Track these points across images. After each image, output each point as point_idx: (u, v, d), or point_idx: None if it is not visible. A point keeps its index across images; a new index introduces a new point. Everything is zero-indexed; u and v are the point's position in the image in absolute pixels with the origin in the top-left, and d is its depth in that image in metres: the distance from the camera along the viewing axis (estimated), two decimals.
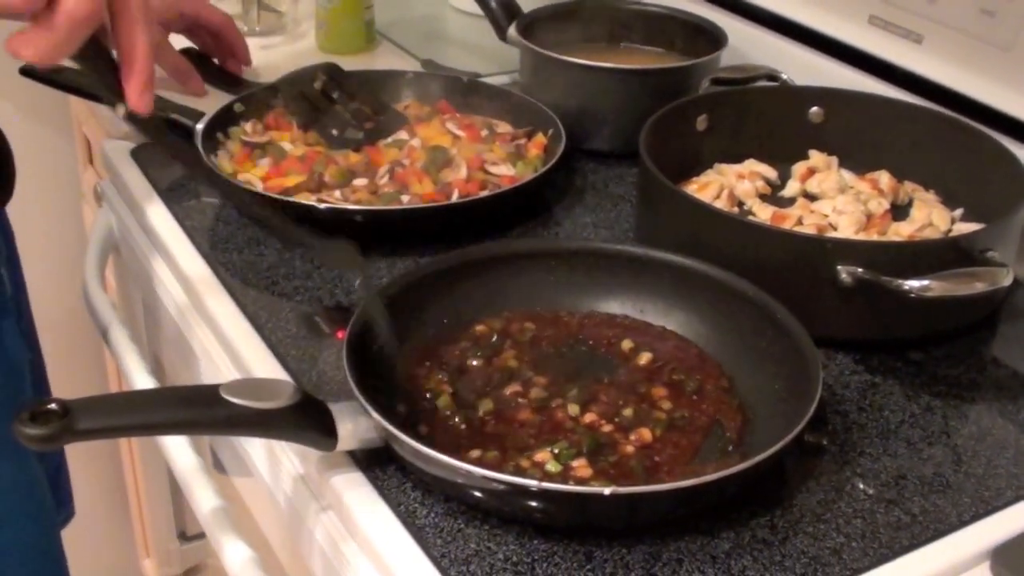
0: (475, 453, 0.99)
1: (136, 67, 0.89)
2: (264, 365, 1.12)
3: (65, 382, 1.93)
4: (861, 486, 1.00)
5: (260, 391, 0.91)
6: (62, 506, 1.52)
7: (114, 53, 0.92)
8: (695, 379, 1.09)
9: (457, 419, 1.03)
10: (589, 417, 1.04)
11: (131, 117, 0.93)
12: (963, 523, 0.97)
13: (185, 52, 1.67)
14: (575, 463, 0.98)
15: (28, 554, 1.26)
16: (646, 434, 1.02)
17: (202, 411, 0.90)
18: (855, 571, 0.91)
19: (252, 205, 1.07)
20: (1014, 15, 1.32)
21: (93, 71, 0.91)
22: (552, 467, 0.97)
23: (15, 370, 1.26)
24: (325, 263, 1.15)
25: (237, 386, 0.91)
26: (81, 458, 1.56)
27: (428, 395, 1.06)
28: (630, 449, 1.00)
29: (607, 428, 1.03)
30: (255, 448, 1.12)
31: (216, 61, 1.71)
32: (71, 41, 0.84)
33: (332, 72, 1.54)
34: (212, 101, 1.56)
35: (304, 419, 0.93)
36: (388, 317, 1.05)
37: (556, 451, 0.99)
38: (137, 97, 0.91)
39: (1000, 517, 0.98)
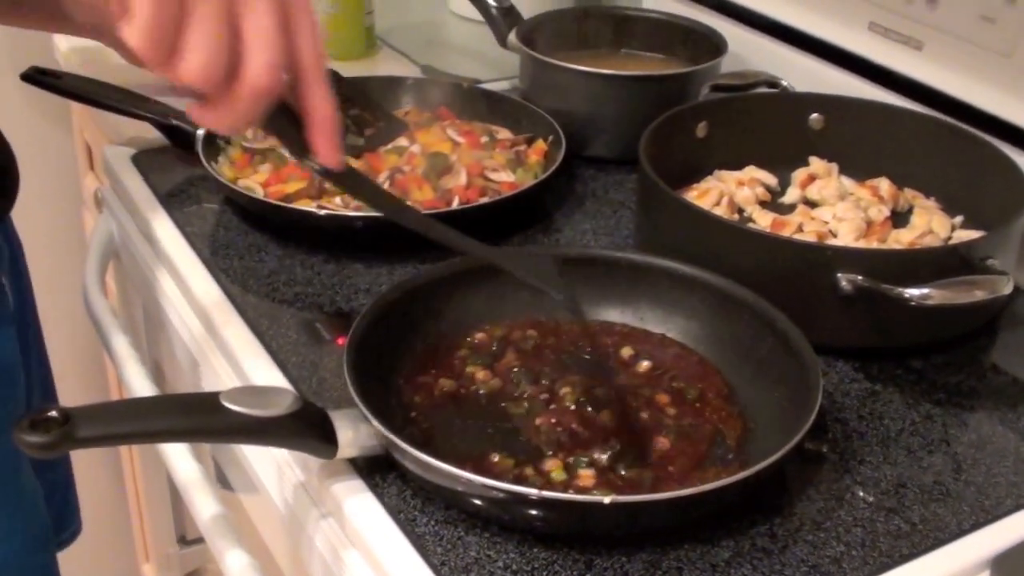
0: (480, 460, 1.00)
1: (323, 124, 0.90)
2: (264, 372, 1.12)
3: (67, 388, 1.93)
4: (861, 494, 1.00)
5: (260, 399, 0.91)
6: (68, 523, 1.51)
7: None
8: (696, 387, 1.09)
9: (460, 426, 1.03)
10: (601, 425, 1.04)
11: (325, 172, 0.94)
12: (963, 532, 0.97)
13: None
14: (581, 472, 0.98)
15: (22, 572, 1.25)
16: (664, 442, 1.03)
17: (202, 419, 0.90)
18: None
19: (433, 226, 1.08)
20: (1014, 21, 1.32)
21: (276, 131, 0.92)
22: (557, 475, 0.97)
23: (8, 379, 1.25)
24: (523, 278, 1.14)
25: (237, 394, 0.91)
26: (81, 462, 1.55)
27: (429, 402, 1.06)
28: (664, 458, 1.01)
29: (623, 437, 1.03)
30: (255, 455, 1.12)
31: None
32: (254, 111, 0.85)
33: (333, 78, 1.53)
34: None
35: (304, 427, 0.93)
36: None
37: (571, 460, 0.99)
38: (328, 154, 0.91)
39: (1000, 526, 0.98)
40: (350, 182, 1.02)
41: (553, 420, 1.03)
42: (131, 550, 2.40)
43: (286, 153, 0.95)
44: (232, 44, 0.82)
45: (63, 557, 1.45)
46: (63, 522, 1.50)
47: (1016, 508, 1.00)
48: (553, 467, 0.98)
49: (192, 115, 0.86)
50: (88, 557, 1.59)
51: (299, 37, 0.86)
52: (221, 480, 1.30)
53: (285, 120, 0.90)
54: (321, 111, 0.89)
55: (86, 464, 2.04)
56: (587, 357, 1.13)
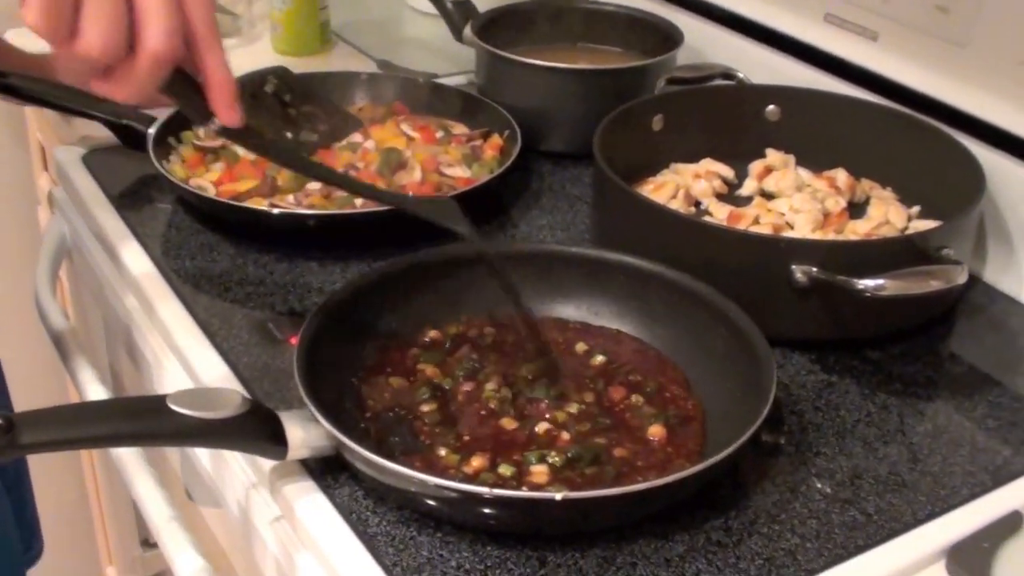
0: (440, 459, 0.99)
1: (220, 87, 0.93)
2: (216, 373, 1.11)
3: (24, 391, 1.91)
4: (817, 486, 1.00)
5: (208, 401, 0.91)
6: (31, 543, 1.50)
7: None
8: (655, 380, 1.08)
9: (413, 426, 1.02)
10: (562, 423, 1.04)
11: (225, 130, 0.96)
12: (919, 522, 0.97)
13: None
14: (534, 469, 0.97)
15: None
16: (622, 437, 1.02)
17: (149, 423, 0.89)
18: (810, 572, 0.91)
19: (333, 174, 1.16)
20: (968, 11, 1.32)
21: (178, 96, 0.94)
22: (505, 470, 0.97)
23: None
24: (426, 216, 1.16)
25: (184, 396, 0.90)
26: (42, 464, 1.54)
27: (382, 402, 1.05)
28: (620, 453, 1.00)
29: (587, 434, 1.02)
30: (207, 456, 1.11)
31: None
32: (155, 79, 0.88)
33: (283, 75, 1.53)
34: (164, 106, 1.55)
35: (253, 428, 0.92)
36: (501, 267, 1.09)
37: (550, 460, 0.98)
38: (226, 113, 0.94)
39: (956, 515, 0.98)
40: (251, 140, 1.04)
41: (483, 414, 1.04)
42: (95, 553, 2.39)
43: (190, 117, 0.99)
44: (128, 16, 0.85)
45: None
46: (31, 539, 1.49)
47: (971, 497, 0.99)
48: (479, 465, 0.98)
49: (95, 88, 0.88)
50: (51, 561, 1.57)
51: (191, 5, 0.89)
52: (189, 492, 1.29)
53: (185, 86, 0.93)
54: (217, 74, 0.92)
55: (46, 467, 2.03)
56: (539, 352, 1.12)
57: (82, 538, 2.37)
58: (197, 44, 0.90)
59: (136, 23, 0.85)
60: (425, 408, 1.04)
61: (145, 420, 0.89)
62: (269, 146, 1.07)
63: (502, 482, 0.96)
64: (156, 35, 0.85)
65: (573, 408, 1.05)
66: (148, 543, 2.05)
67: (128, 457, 1.18)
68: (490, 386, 1.07)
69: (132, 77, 0.87)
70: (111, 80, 0.87)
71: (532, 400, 1.05)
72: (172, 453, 1.31)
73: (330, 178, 1.16)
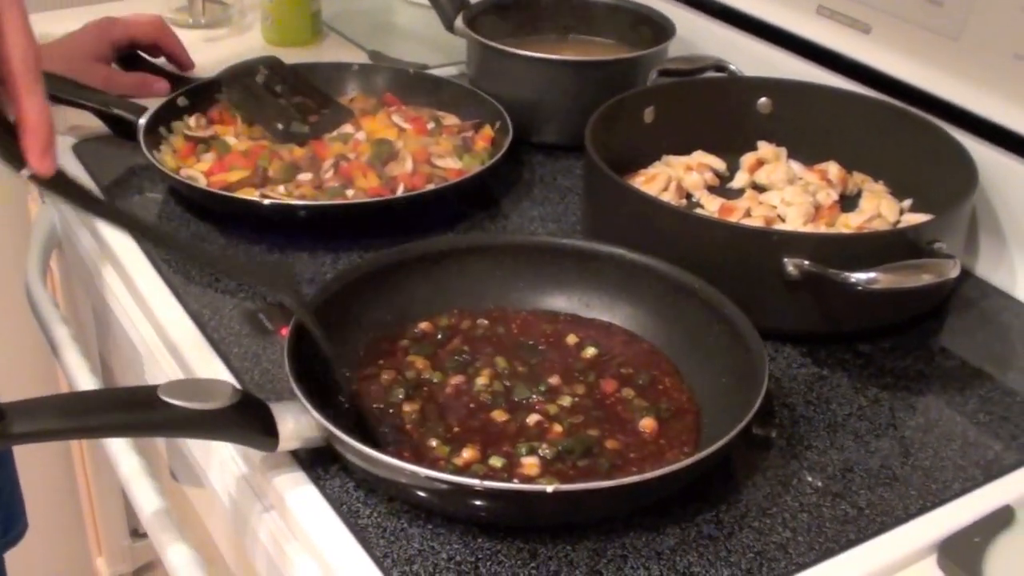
0: (418, 448, 0.99)
1: (33, 131, 0.87)
2: (206, 364, 1.11)
3: (14, 381, 1.91)
4: (808, 479, 0.99)
5: (199, 392, 0.90)
6: (15, 522, 1.50)
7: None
8: (648, 373, 1.08)
9: (403, 417, 1.02)
10: (554, 416, 1.03)
11: (36, 178, 0.91)
12: (910, 516, 0.96)
13: (126, 59, 1.64)
14: (525, 460, 0.97)
15: None
16: (649, 424, 1.02)
17: (140, 413, 0.89)
18: (801, 566, 0.91)
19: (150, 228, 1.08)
20: (960, 4, 1.32)
21: None
22: (496, 462, 0.97)
23: None
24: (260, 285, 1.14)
25: (175, 387, 0.90)
26: (31, 455, 1.54)
27: (372, 393, 1.05)
28: (611, 445, 1.00)
29: (581, 425, 1.02)
30: (199, 447, 1.11)
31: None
32: None
33: (274, 65, 1.53)
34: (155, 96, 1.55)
35: (244, 419, 0.92)
36: (320, 329, 1.02)
37: (541, 452, 0.98)
38: (38, 161, 0.89)
39: (947, 510, 0.98)
40: (63, 189, 0.97)
41: (473, 407, 1.04)
42: (84, 543, 2.38)
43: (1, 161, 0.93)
44: None
45: (15, 552, 1.43)
46: (10, 522, 1.48)
47: (963, 492, 0.99)
48: (470, 457, 0.98)
49: None
50: (41, 551, 1.57)
51: (7, 41, 0.83)
52: (173, 472, 1.28)
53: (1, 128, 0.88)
54: (32, 119, 0.87)
55: (36, 457, 2.02)
56: (532, 344, 1.12)
57: (71, 528, 2.36)
58: (12, 84, 0.85)
59: None
60: (407, 408, 1.03)
61: (136, 411, 0.89)
62: (80, 194, 1.00)
63: (493, 474, 0.95)
64: None
65: (566, 401, 1.05)
66: (137, 533, 2.05)
67: (118, 447, 1.17)
68: (481, 380, 1.06)
69: None
70: None
71: (520, 395, 1.05)
72: (159, 438, 1.31)
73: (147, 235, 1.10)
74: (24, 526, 1.53)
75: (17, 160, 0.89)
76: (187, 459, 1.13)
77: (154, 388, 0.89)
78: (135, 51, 1.64)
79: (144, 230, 1.07)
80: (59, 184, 0.93)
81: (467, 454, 0.97)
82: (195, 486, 1.16)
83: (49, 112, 0.88)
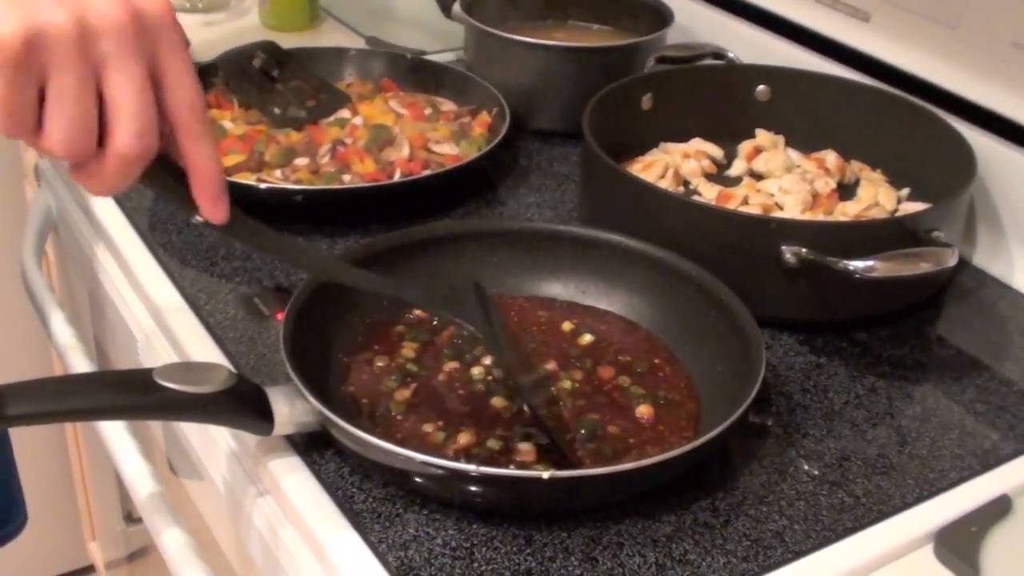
0: (429, 434, 0.99)
1: (205, 179, 0.86)
2: (202, 348, 1.11)
3: (8, 364, 1.91)
4: (805, 468, 0.99)
5: (194, 375, 0.90)
6: (14, 515, 1.49)
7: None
8: (644, 361, 1.08)
9: (398, 403, 1.02)
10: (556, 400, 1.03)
11: (209, 225, 0.90)
12: (907, 505, 0.96)
13: None
14: (521, 447, 0.97)
15: None
16: (647, 411, 1.02)
17: (135, 396, 0.89)
18: (797, 554, 0.90)
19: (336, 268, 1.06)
20: None
21: (159, 189, 0.88)
22: (493, 444, 0.97)
23: None
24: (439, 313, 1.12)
25: (171, 370, 0.89)
26: (26, 438, 1.53)
27: (368, 378, 1.05)
28: (612, 431, 1.00)
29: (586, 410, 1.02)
30: (193, 432, 1.10)
31: None
32: (124, 178, 0.81)
33: (271, 50, 1.52)
34: None
35: (239, 403, 0.91)
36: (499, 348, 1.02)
37: (503, 434, 0.98)
38: (211, 208, 0.87)
39: (944, 499, 0.97)
40: (243, 234, 0.95)
41: (465, 393, 1.04)
42: (78, 528, 2.38)
43: (173, 207, 0.90)
44: (96, 113, 0.78)
45: None
46: (8, 515, 1.48)
47: (960, 481, 0.99)
48: (466, 442, 0.97)
49: (71, 177, 0.82)
50: (34, 535, 1.57)
51: (172, 93, 0.82)
52: (172, 465, 1.28)
53: (166, 176, 0.86)
54: (202, 167, 0.85)
55: (30, 441, 2.02)
56: (533, 330, 1.12)
57: (65, 513, 2.36)
58: (180, 133, 0.84)
59: (107, 121, 0.79)
60: (402, 393, 1.03)
61: (131, 394, 0.89)
62: (265, 238, 1.01)
63: (489, 460, 0.95)
64: (125, 136, 0.79)
65: (568, 385, 1.04)
66: (132, 518, 2.04)
67: (112, 430, 1.17)
68: (478, 367, 1.06)
69: (100, 175, 0.80)
70: (82, 174, 0.81)
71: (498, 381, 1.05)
72: (156, 428, 1.31)
73: (340, 277, 1.04)
74: (24, 519, 1.53)
75: (187, 207, 0.88)
76: (184, 449, 1.13)
77: (149, 371, 0.88)
78: None
79: (330, 270, 1.06)
80: (232, 228, 0.91)
81: (463, 439, 0.97)
82: (194, 479, 1.16)
83: (219, 159, 0.87)
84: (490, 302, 1.05)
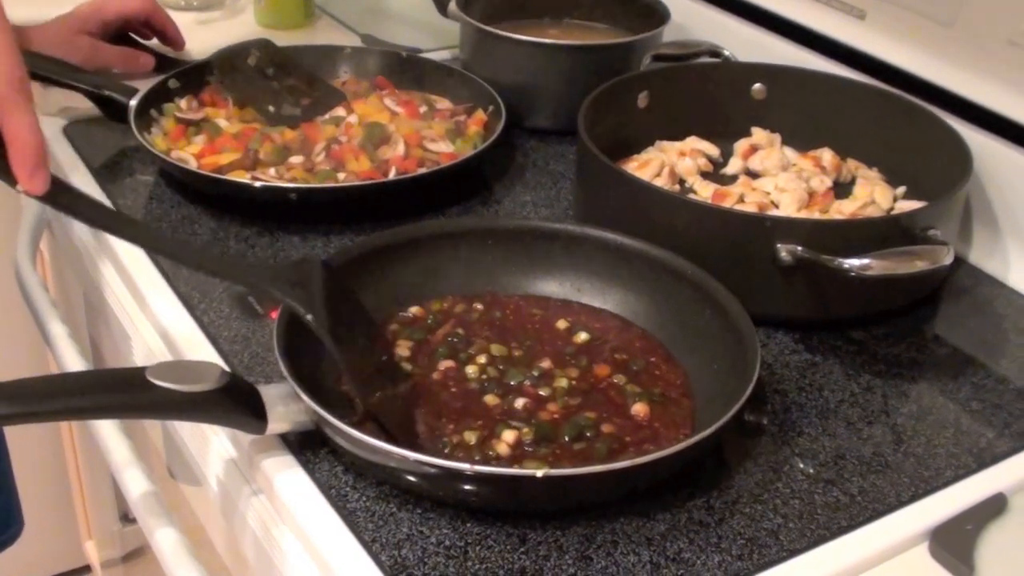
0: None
1: (22, 150, 0.88)
2: (196, 346, 1.10)
3: (4, 363, 1.90)
4: (800, 466, 0.99)
5: (187, 374, 0.90)
6: (11, 522, 1.49)
7: None
8: (640, 359, 1.08)
9: (394, 401, 1.01)
10: (548, 398, 1.03)
11: (30, 195, 0.92)
12: (902, 503, 0.96)
13: (116, 39, 1.63)
14: (512, 441, 0.97)
15: None
16: (642, 409, 1.02)
17: (127, 395, 0.88)
18: (792, 552, 0.90)
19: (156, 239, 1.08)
20: None
21: None
22: (486, 445, 0.97)
23: None
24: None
25: (163, 369, 0.89)
26: (22, 438, 1.53)
27: (363, 376, 1.04)
28: (608, 429, 1.00)
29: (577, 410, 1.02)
30: (186, 431, 1.10)
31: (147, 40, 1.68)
32: None
33: (265, 48, 1.52)
34: (146, 77, 1.54)
35: (232, 402, 0.91)
36: (334, 340, 0.99)
37: (528, 433, 0.98)
38: (28, 180, 0.89)
39: (939, 497, 0.97)
40: (66, 205, 0.97)
41: (458, 391, 1.03)
42: (74, 527, 2.38)
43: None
44: None
45: None
46: (5, 522, 1.48)
47: (956, 479, 0.99)
48: (460, 441, 0.97)
49: None
50: (30, 534, 1.57)
51: None
52: (171, 470, 1.28)
53: None
54: (19, 138, 0.87)
55: (27, 441, 2.02)
56: (528, 329, 1.12)
57: (62, 512, 2.36)
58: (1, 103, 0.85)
59: None
60: (396, 391, 1.03)
61: (124, 392, 0.88)
62: (92, 214, 1.00)
63: (484, 458, 0.95)
64: None
65: (563, 383, 1.04)
66: (127, 518, 2.04)
67: (107, 430, 1.17)
68: (473, 366, 1.06)
69: None
70: None
71: (513, 379, 1.05)
72: (154, 430, 1.30)
73: (149, 244, 1.10)
74: (20, 526, 1.52)
75: (11, 177, 0.89)
76: (182, 452, 1.13)
77: (142, 370, 0.88)
78: (126, 32, 1.63)
79: (156, 243, 1.07)
80: (58, 199, 0.93)
81: (456, 439, 0.97)
82: (192, 484, 1.15)
83: (39, 130, 0.88)
84: (339, 285, 1.04)
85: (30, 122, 0.87)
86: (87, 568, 2.43)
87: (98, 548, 2.28)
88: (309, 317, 0.98)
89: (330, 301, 1.01)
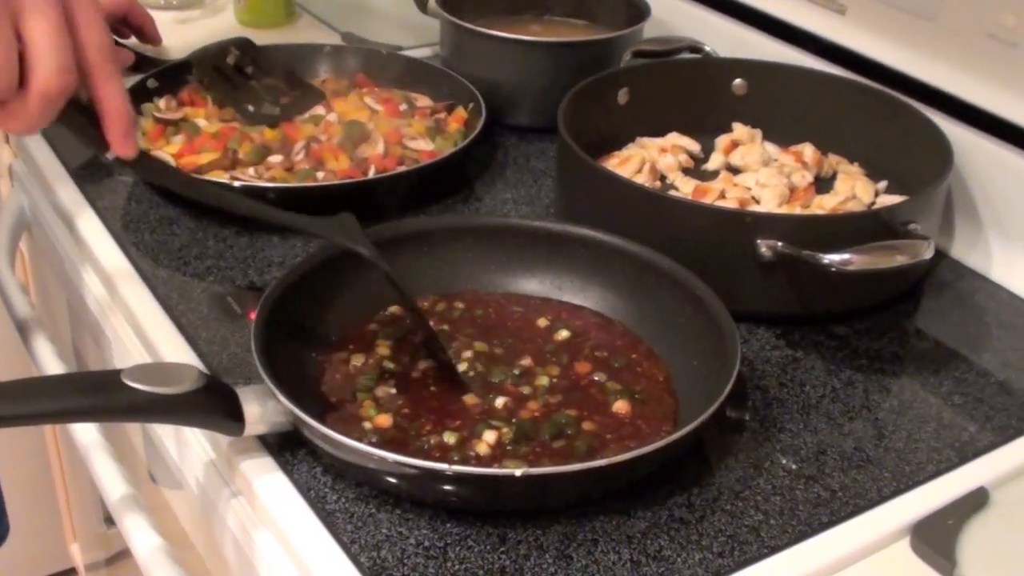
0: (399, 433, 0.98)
1: (116, 116, 0.91)
2: (174, 348, 1.10)
3: None
4: (782, 462, 0.99)
5: (164, 376, 0.89)
6: None
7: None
8: (621, 356, 1.07)
9: (372, 402, 1.01)
10: (527, 396, 1.03)
11: (120, 161, 0.95)
12: (883, 498, 0.96)
13: None
14: (490, 439, 0.96)
15: None
16: (623, 406, 1.01)
17: (103, 398, 0.88)
18: (773, 549, 0.90)
19: (235, 198, 1.10)
20: None
21: (72, 127, 0.92)
22: (465, 444, 0.96)
23: None
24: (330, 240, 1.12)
25: (139, 371, 0.88)
26: (4, 441, 1.53)
27: (341, 377, 1.04)
28: (588, 427, 0.99)
29: (557, 408, 1.02)
30: (165, 433, 1.09)
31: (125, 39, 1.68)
32: (46, 115, 0.86)
33: (244, 47, 1.51)
34: (125, 77, 1.53)
35: (209, 404, 0.91)
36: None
37: (509, 432, 0.98)
38: (122, 144, 0.93)
39: (921, 492, 0.97)
40: (150, 171, 1.03)
41: (436, 390, 1.03)
42: (59, 530, 2.37)
43: (86, 147, 0.98)
44: (16, 55, 0.83)
45: None
46: None
47: (937, 474, 0.99)
48: (439, 442, 0.97)
49: None
50: (14, 537, 1.56)
51: (84, 33, 0.87)
52: (152, 475, 1.27)
53: (80, 116, 0.91)
54: (112, 104, 0.91)
55: (10, 443, 2.01)
56: (509, 326, 1.11)
57: (46, 514, 2.35)
58: (92, 74, 0.89)
59: (26, 59, 0.83)
60: (376, 392, 1.02)
61: (99, 395, 0.88)
62: (170, 174, 1.05)
63: (464, 458, 0.94)
64: (46, 73, 0.84)
65: (544, 380, 1.04)
66: (111, 520, 2.03)
67: (86, 433, 1.16)
68: (461, 367, 1.06)
69: (23, 113, 0.85)
70: (4, 113, 0.85)
71: (495, 377, 1.04)
72: (135, 435, 1.30)
73: (247, 210, 1.11)
74: (5, 531, 1.52)
75: (100, 145, 0.93)
76: (163, 457, 1.12)
77: (117, 372, 0.88)
78: None
79: (231, 202, 1.11)
80: (143, 164, 0.98)
81: (436, 439, 0.96)
82: (175, 488, 1.15)
83: (127, 97, 0.92)
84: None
85: (120, 89, 0.91)
86: (72, 571, 2.42)
87: (83, 551, 2.27)
88: (363, 250, 1.03)
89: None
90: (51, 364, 1.24)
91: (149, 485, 1.27)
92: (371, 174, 1.32)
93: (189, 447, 1.04)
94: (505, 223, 1.19)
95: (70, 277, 1.32)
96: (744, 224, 1.12)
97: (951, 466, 1.00)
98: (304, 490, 0.93)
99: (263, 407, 0.93)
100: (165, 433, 1.11)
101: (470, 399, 1.01)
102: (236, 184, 1.27)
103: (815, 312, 1.17)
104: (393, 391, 1.02)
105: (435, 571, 0.86)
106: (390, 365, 1.05)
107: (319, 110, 1.46)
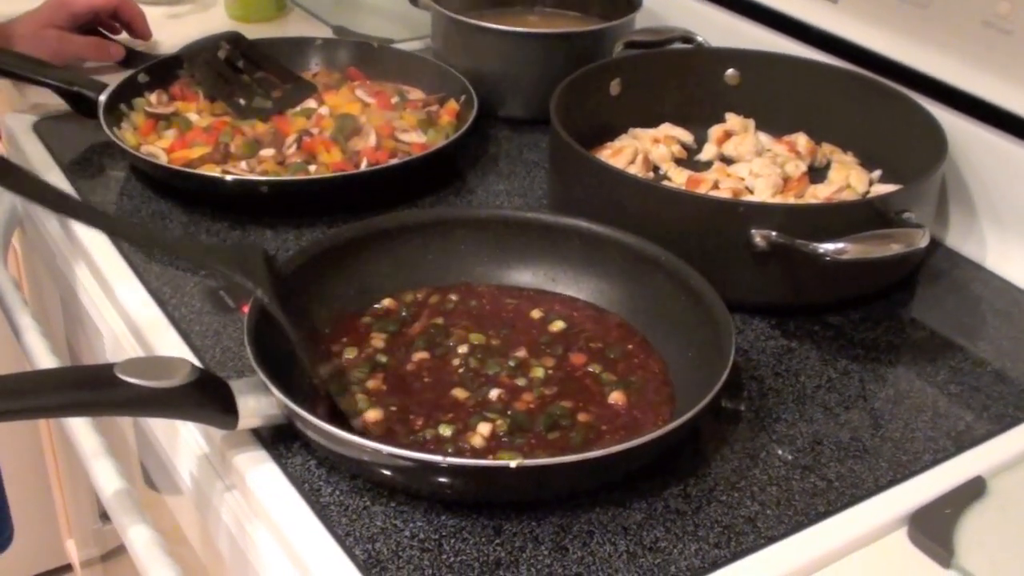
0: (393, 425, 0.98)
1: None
2: (167, 342, 1.09)
3: None
4: (777, 452, 0.98)
5: (156, 369, 0.89)
6: (1, 529, 1.48)
7: None
8: (616, 347, 1.07)
9: (366, 395, 1.01)
10: (523, 388, 1.02)
11: None
12: (880, 488, 0.95)
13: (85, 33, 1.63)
14: (486, 432, 0.96)
15: None
16: (619, 397, 1.01)
17: (96, 392, 0.87)
18: (770, 539, 0.90)
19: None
20: None
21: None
22: (461, 436, 0.96)
23: None
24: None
25: (132, 365, 0.88)
26: (0, 435, 1.52)
27: (335, 370, 1.03)
28: (584, 418, 0.99)
29: (553, 400, 1.01)
30: (159, 427, 1.09)
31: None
32: None
33: (236, 41, 1.51)
34: (116, 72, 1.53)
35: (202, 397, 0.90)
36: (285, 315, 0.99)
37: (502, 423, 0.97)
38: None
39: (918, 481, 0.97)
40: (10, 182, 0.99)
41: (431, 382, 1.03)
42: (54, 526, 2.37)
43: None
44: None
45: None
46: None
47: (934, 463, 0.98)
48: (445, 431, 0.96)
49: None
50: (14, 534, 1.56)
51: None
52: (147, 481, 1.27)
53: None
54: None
55: (5, 438, 2.01)
56: (503, 317, 1.11)
57: (41, 511, 2.35)
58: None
59: None
60: (370, 384, 1.02)
61: (92, 390, 0.87)
62: (32, 191, 1.02)
63: (459, 450, 0.94)
64: None
65: (539, 372, 1.04)
66: (106, 516, 2.03)
67: (80, 429, 1.16)
68: (451, 356, 1.05)
69: None
70: None
71: (490, 369, 1.04)
72: (129, 434, 1.29)
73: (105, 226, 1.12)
74: (10, 535, 1.52)
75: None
76: (156, 451, 1.12)
77: (110, 366, 0.87)
78: (94, 26, 1.62)
79: (102, 222, 1.08)
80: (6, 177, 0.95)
81: (431, 432, 0.96)
82: (167, 484, 1.14)
83: None
84: (278, 272, 1.04)
85: None
86: (68, 567, 2.42)
87: (78, 547, 2.27)
88: (258, 292, 0.99)
89: (275, 284, 1.01)
90: (44, 359, 1.23)
91: (143, 482, 1.26)
92: (363, 167, 1.31)
93: (182, 441, 1.03)
94: (498, 215, 1.19)
95: (63, 272, 1.31)
96: (738, 214, 1.11)
97: (948, 455, 0.99)
98: (298, 483, 0.93)
99: (257, 400, 0.92)
100: (158, 427, 1.10)
101: (464, 392, 1.01)
102: (228, 178, 1.27)
103: (810, 302, 1.17)
104: (385, 385, 1.02)
105: (430, 563, 0.86)
106: (383, 358, 1.05)
107: (311, 103, 1.45)
